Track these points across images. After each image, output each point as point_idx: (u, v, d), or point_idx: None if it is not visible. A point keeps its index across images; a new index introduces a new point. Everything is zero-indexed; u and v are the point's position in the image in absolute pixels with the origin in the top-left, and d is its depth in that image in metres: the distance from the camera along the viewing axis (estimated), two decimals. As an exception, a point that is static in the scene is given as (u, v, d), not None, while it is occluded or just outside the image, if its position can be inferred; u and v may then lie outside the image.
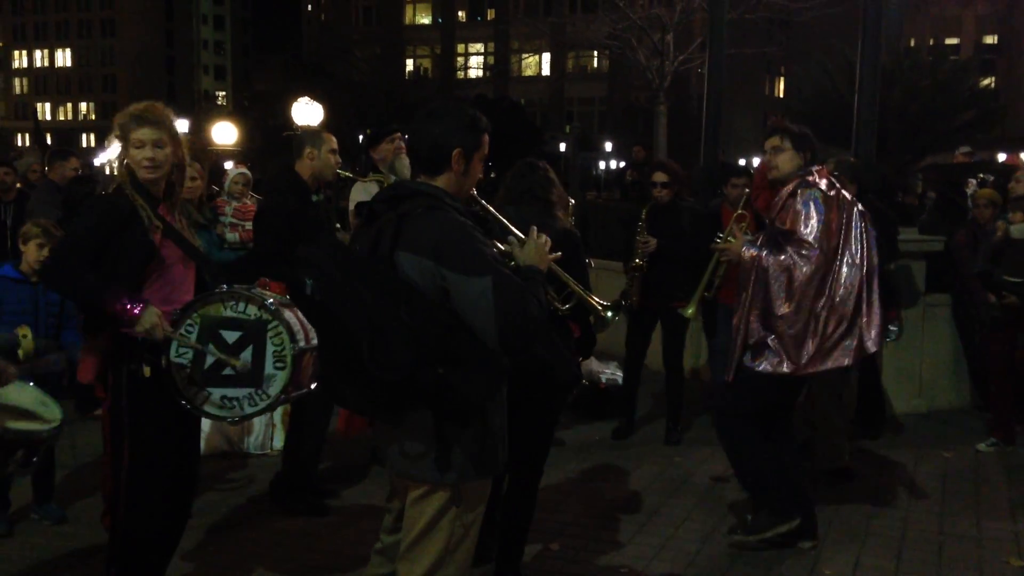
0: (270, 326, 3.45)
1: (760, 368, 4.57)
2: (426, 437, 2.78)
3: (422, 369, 2.62)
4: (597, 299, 3.57)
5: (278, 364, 3.44)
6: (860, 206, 4.67)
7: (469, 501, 2.86)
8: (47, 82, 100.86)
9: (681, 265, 6.25)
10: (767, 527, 4.68)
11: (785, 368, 4.52)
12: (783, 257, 4.51)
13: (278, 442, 5.99)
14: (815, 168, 4.64)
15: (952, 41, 48.04)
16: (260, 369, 3.44)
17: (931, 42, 38.81)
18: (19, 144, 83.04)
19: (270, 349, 3.43)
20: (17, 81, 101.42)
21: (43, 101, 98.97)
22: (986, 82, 21.58)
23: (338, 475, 5.66)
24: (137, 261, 3.51)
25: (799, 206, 4.51)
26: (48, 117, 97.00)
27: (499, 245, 3.08)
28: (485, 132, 2.94)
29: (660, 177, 6.42)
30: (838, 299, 4.50)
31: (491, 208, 3.27)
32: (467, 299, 2.65)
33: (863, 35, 7.95)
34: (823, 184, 4.56)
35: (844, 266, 4.51)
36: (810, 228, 4.48)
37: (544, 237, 3.03)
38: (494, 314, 2.61)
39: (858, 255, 4.53)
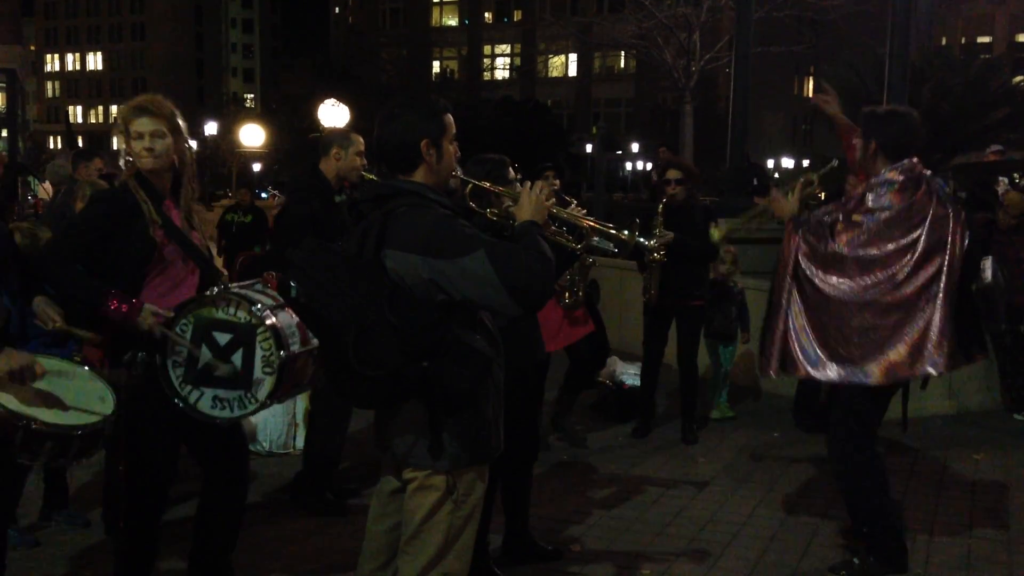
0: (259, 331, 3.46)
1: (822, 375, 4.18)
2: (420, 426, 2.82)
3: (407, 364, 2.66)
4: (605, 226, 3.36)
5: (266, 369, 3.46)
6: (953, 209, 4.10)
7: (465, 491, 2.88)
8: (79, 86, 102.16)
9: (696, 263, 6.44)
10: (876, 574, 4.29)
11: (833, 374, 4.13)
12: (822, 244, 4.11)
13: (299, 441, 5.98)
14: (901, 164, 4.09)
15: (984, 40, 47.54)
16: (249, 373, 3.46)
17: (963, 41, 38.40)
18: (51, 147, 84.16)
19: (259, 354, 3.45)
20: (49, 85, 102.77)
21: (75, 104, 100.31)
22: (1018, 80, 21.26)
23: (359, 475, 5.64)
24: (138, 258, 3.52)
25: (866, 195, 4.12)
26: (80, 120, 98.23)
27: (497, 211, 3.17)
28: (445, 113, 2.94)
29: (674, 174, 6.40)
30: (900, 298, 4.03)
31: (478, 182, 3.29)
32: (470, 278, 2.67)
33: (892, 33, 7.86)
34: (900, 178, 4.08)
35: (908, 269, 4.03)
36: (869, 216, 4.04)
37: (539, 186, 3.00)
38: (499, 281, 2.64)
39: (921, 266, 4.03)
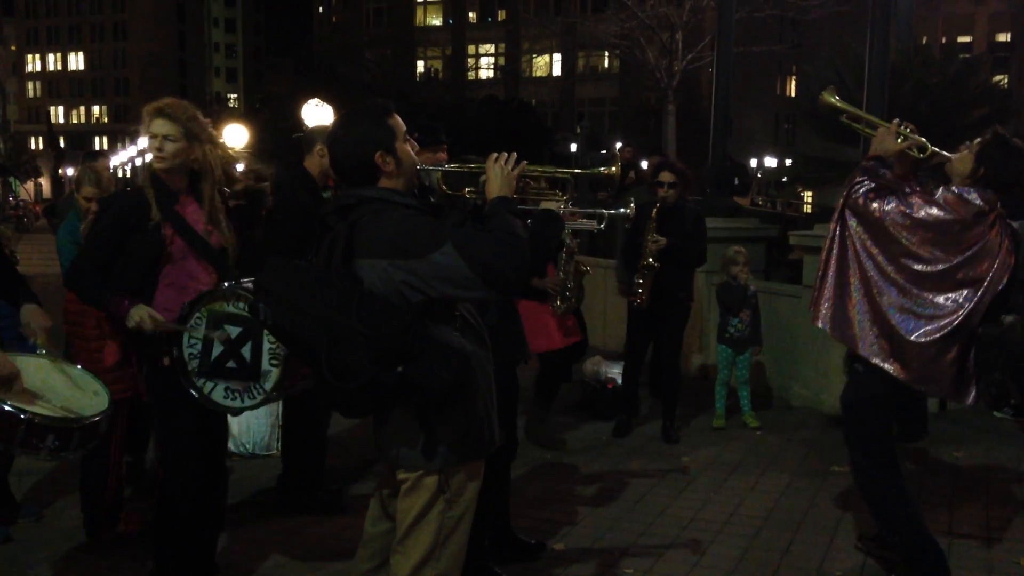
0: None
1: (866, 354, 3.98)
2: (410, 428, 2.82)
3: (381, 371, 2.62)
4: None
5: (273, 361, 3.56)
6: (1007, 251, 3.90)
7: (457, 490, 2.88)
8: (60, 86, 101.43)
9: (684, 265, 6.45)
10: None
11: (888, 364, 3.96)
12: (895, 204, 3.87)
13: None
14: (988, 193, 3.88)
15: (965, 39, 47.85)
16: (257, 364, 3.58)
17: (943, 40, 38.64)
18: (32, 148, 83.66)
19: (266, 346, 3.56)
20: (31, 85, 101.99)
21: (56, 104, 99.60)
22: (997, 79, 21.40)
23: (344, 473, 5.65)
24: (148, 254, 3.68)
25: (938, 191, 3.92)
26: (61, 120, 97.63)
27: (475, 188, 3.17)
28: (390, 116, 2.88)
29: (667, 177, 6.36)
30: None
31: (442, 167, 3.31)
32: (442, 273, 2.64)
33: (871, 31, 7.92)
34: (979, 202, 3.86)
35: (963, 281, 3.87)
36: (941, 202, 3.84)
37: (503, 157, 2.95)
38: (470, 271, 2.62)
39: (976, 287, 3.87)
